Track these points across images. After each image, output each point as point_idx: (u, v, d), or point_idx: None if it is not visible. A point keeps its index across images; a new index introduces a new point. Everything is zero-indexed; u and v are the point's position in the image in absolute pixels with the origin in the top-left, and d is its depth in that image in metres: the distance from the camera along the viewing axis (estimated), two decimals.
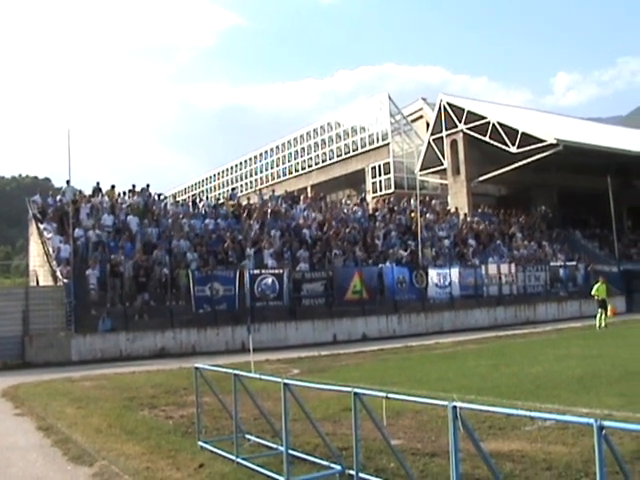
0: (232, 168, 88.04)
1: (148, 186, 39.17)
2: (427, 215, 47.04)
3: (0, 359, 26.39)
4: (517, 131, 50.05)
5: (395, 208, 48.37)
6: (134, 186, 38.76)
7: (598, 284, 33.85)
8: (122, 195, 37.88)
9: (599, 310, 32.56)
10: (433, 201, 52.50)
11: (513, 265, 41.62)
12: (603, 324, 31.83)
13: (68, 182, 34.02)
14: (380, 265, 37.09)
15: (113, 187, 38.27)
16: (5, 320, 26.71)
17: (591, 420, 4.50)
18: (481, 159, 55.26)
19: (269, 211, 40.88)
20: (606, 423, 4.43)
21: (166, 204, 39.96)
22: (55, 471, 9.21)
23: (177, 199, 51.62)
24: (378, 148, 64.38)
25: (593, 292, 33.86)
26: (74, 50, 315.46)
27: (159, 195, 40.79)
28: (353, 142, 67.51)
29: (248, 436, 9.92)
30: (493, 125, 51.63)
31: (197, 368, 10.15)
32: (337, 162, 68.94)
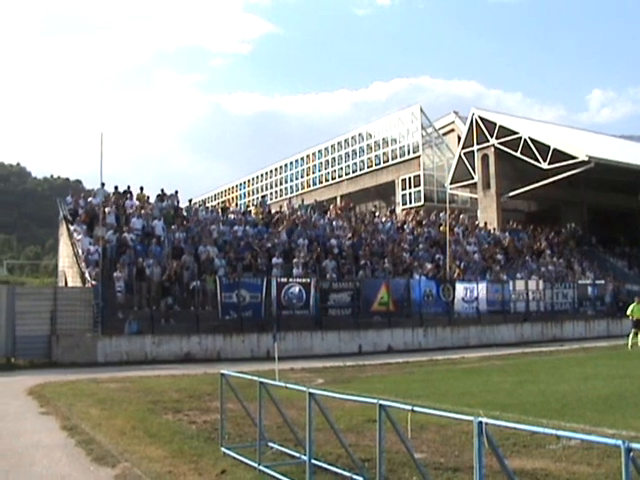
0: (262, 176, 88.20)
1: (176, 192, 39.38)
2: (456, 229, 46.87)
3: (27, 358, 26.64)
4: (549, 147, 49.80)
5: (424, 221, 48.27)
6: (163, 190, 39.02)
7: (633, 304, 33.25)
8: (152, 200, 38.04)
9: (633, 330, 32.23)
10: (462, 215, 52.33)
11: (541, 282, 41.35)
12: (638, 344, 31.47)
13: (103, 185, 34.27)
14: (407, 277, 37.02)
15: (142, 189, 38.49)
16: (33, 319, 26.91)
17: (619, 442, 4.45)
18: (512, 174, 55.09)
19: (298, 220, 40.93)
20: (634, 445, 4.38)
21: (196, 210, 40.13)
22: (78, 471, 9.27)
23: (207, 205, 51.81)
24: (409, 160, 64.26)
25: (628, 312, 33.31)
26: (106, 54, 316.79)
27: (189, 200, 40.99)
28: (384, 153, 67.43)
29: (271, 444, 9.92)
30: (525, 140, 51.41)
31: (223, 374, 10.18)
32: (367, 173, 68.89)
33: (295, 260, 34.73)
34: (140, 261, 30.74)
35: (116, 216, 34.34)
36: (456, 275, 39.37)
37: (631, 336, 31.90)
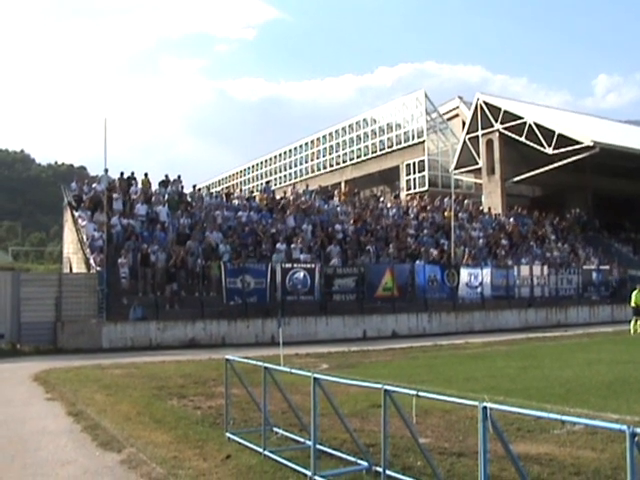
0: (267, 161, 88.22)
1: (179, 177, 39.29)
2: (460, 214, 46.81)
3: (33, 344, 26.66)
4: (553, 132, 49.70)
5: (429, 206, 48.21)
6: (167, 176, 38.95)
7: (636, 292, 33.15)
8: (156, 186, 38.01)
9: (634, 317, 32.18)
10: (467, 200, 52.25)
11: (545, 267, 41.31)
12: (639, 330, 31.44)
13: (106, 171, 34.20)
14: (412, 263, 36.98)
15: (146, 175, 38.42)
16: (38, 306, 26.99)
17: (623, 427, 4.46)
18: (516, 159, 54.96)
19: (302, 205, 40.89)
20: (639, 430, 4.38)
21: (200, 195, 40.11)
22: (84, 456, 9.30)
23: (211, 190, 51.82)
24: (413, 145, 64.24)
25: (632, 303, 32.95)
26: (110, 40, 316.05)
27: (194, 186, 40.94)
28: (388, 139, 67.40)
29: (276, 429, 9.94)
30: (529, 125, 51.30)
31: (227, 360, 10.18)
32: (372, 158, 68.89)
33: (293, 245, 34.68)
34: (145, 247, 30.76)
35: (123, 202, 34.35)
36: (465, 260, 39.35)
37: (632, 323, 31.91)
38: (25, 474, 8.54)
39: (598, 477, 7.71)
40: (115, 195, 34.22)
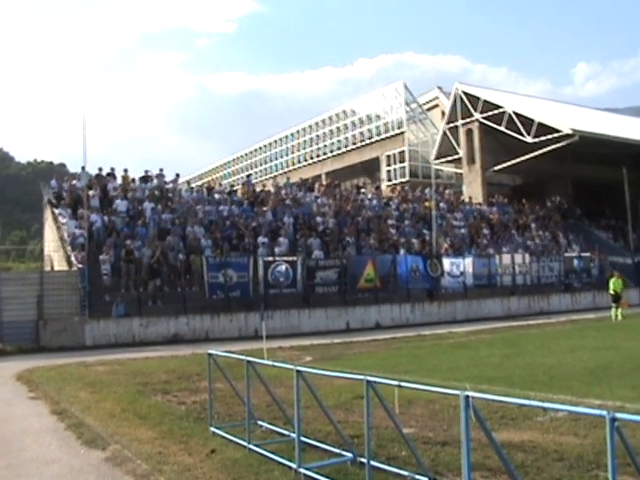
0: (247, 155, 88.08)
1: (161, 171, 39.04)
2: (441, 204, 46.89)
3: (15, 343, 26.52)
4: (533, 121, 49.86)
5: (409, 197, 48.29)
6: (147, 172, 38.69)
7: (613, 279, 33.42)
8: (136, 181, 37.78)
9: (613, 305, 32.40)
10: (447, 190, 52.38)
11: (527, 255, 41.48)
12: (620, 317, 31.65)
13: (83, 168, 34.02)
14: (394, 253, 37.03)
15: (126, 171, 38.11)
16: (20, 305, 26.83)
17: (603, 412, 4.49)
18: (496, 149, 55.12)
19: (283, 198, 40.83)
20: (618, 415, 4.42)
21: (181, 190, 39.97)
22: (69, 454, 9.28)
23: (192, 185, 51.64)
24: (393, 136, 64.23)
25: (611, 291, 33.16)
26: (90, 36, 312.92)
27: (176, 177, 40.60)
28: (368, 130, 67.38)
29: (260, 422, 9.95)
30: (509, 115, 51.42)
31: (210, 354, 10.17)
32: (352, 150, 68.83)
33: (280, 239, 34.67)
34: (127, 243, 30.62)
35: (100, 199, 34.16)
36: (444, 250, 39.44)
37: (613, 311, 32.10)
38: (9, 474, 8.51)
39: (581, 462, 7.76)
40: (91, 192, 33.96)
